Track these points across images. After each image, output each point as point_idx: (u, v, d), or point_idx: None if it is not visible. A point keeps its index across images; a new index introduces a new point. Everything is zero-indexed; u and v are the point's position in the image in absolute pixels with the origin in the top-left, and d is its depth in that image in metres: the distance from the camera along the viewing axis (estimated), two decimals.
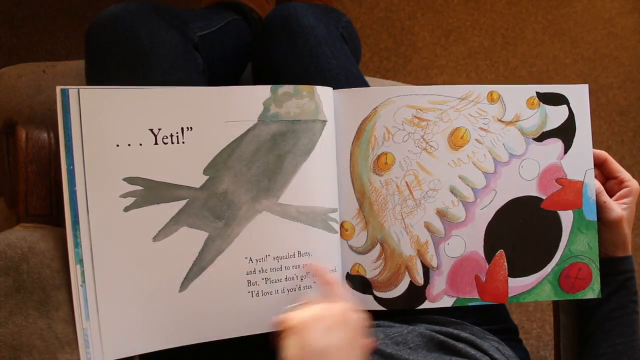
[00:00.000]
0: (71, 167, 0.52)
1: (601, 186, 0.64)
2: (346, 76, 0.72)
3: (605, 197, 0.63)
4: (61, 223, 0.62)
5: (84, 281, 0.53)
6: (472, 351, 0.57)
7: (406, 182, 0.63)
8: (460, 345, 0.58)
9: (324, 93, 0.61)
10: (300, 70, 0.72)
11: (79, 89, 0.53)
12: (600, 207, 0.63)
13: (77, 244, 0.53)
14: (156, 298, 0.55)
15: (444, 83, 1.44)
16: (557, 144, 0.65)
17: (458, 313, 0.66)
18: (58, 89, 0.52)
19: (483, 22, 1.48)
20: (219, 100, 0.57)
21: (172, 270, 0.56)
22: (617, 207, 0.63)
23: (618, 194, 0.64)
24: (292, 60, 0.72)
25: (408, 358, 0.55)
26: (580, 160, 0.65)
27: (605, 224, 0.63)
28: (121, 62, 0.63)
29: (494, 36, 1.48)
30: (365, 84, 0.76)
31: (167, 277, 0.56)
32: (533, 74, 1.47)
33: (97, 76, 0.65)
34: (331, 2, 1.22)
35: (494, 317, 0.70)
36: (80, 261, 0.53)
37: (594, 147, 0.67)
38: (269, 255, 0.58)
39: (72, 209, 0.52)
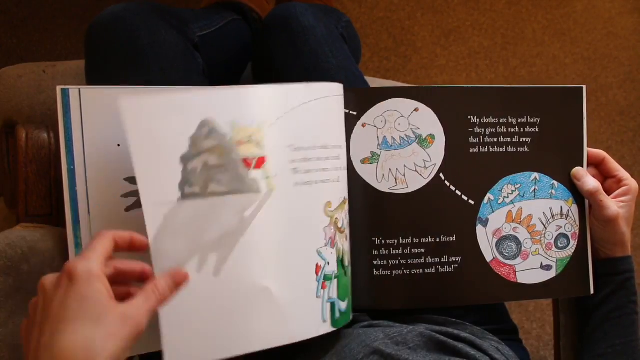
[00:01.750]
0: (72, 167, 0.52)
1: (599, 185, 0.64)
2: (346, 76, 0.72)
3: (602, 196, 0.63)
4: (61, 223, 0.62)
5: None
6: (472, 351, 0.57)
7: None
8: (460, 345, 0.58)
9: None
10: (300, 70, 0.72)
11: (79, 89, 0.53)
12: (597, 206, 0.63)
13: (77, 244, 0.53)
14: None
15: (444, 83, 1.44)
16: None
17: (458, 313, 0.66)
18: (58, 88, 0.52)
19: (483, 22, 1.48)
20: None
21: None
22: (614, 205, 0.63)
23: (616, 192, 0.64)
24: (292, 60, 0.72)
25: (408, 358, 0.55)
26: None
27: (601, 222, 0.64)
28: (121, 62, 0.63)
29: (494, 36, 1.48)
30: (366, 84, 0.76)
31: None
32: (533, 74, 1.48)
33: (97, 76, 0.65)
34: (331, 2, 1.22)
35: (493, 317, 0.70)
36: None
37: (594, 147, 0.67)
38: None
39: (73, 209, 0.52)
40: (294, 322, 0.54)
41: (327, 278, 0.56)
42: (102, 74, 0.64)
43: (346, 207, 0.59)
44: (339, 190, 0.58)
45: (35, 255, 0.57)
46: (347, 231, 0.60)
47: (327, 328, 0.56)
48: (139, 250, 0.47)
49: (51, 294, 0.41)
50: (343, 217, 0.58)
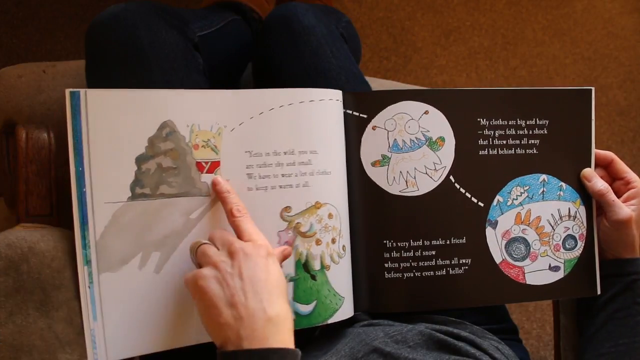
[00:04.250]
0: (80, 169, 0.52)
1: (608, 186, 0.64)
2: (346, 76, 0.72)
3: (613, 196, 0.63)
4: (61, 223, 0.62)
5: (91, 282, 0.53)
6: (472, 350, 0.57)
7: None
8: (460, 344, 0.58)
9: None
10: (301, 70, 0.72)
11: (88, 92, 0.52)
12: (609, 207, 0.63)
13: (84, 245, 0.53)
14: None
15: (444, 83, 1.44)
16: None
17: (458, 312, 0.66)
18: (67, 91, 0.52)
19: (483, 22, 1.48)
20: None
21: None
22: (626, 207, 0.63)
23: (625, 195, 0.64)
24: (293, 60, 0.72)
25: (407, 357, 0.55)
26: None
27: (613, 223, 0.63)
28: (121, 62, 0.63)
29: (494, 36, 1.48)
30: (366, 84, 0.76)
31: None
32: (533, 74, 1.48)
33: (97, 76, 0.65)
34: (331, 2, 1.22)
35: (493, 317, 0.70)
36: (87, 262, 0.53)
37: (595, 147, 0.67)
38: None
39: (81, 210, 0.52)
40: None
41: None
42: (102, 73, 0.64)
43: (321, 211, 0.59)
44: (306, 195, 0.59)
45: (35, 256, 0.57)
46: (328, 235, 0.60)
47: None
48: None
49: (231, 261, 0.49)
50: (313, 221, 0.59)
